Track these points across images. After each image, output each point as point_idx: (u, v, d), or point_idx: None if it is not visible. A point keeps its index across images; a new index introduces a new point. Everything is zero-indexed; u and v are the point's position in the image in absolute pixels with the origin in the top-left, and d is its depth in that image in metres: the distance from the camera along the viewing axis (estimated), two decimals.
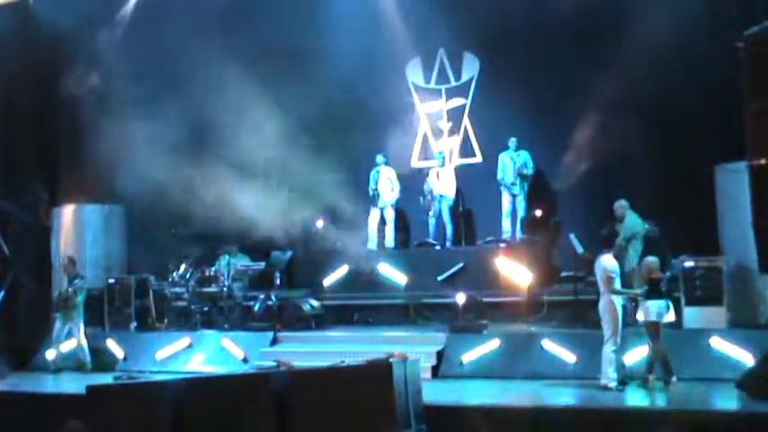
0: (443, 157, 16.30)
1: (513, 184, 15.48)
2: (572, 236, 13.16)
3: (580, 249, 12.86)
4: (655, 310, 10.71)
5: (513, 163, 15.52)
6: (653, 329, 10.75)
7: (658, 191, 13.76)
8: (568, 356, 11.83)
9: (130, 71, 15.96)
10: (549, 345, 12.08)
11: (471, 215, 16.39)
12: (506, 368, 12.04)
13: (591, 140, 14.62)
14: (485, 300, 13.96)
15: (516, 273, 14.19)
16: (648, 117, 14.12)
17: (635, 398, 10.47)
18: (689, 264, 12.22)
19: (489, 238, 15.44)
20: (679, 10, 12.94)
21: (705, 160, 13.25)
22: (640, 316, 10.88)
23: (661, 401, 10.38)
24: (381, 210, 16.23)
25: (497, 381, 11.78)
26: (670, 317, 10.85)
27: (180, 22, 15.86)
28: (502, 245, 15.07)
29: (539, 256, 14.67)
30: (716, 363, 11.25)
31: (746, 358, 11.02)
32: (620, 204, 12.94)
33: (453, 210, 16.01)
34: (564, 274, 14.34)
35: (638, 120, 14.18)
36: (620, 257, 11.56)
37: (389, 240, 16.23)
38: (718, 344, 11.40)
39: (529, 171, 15.54)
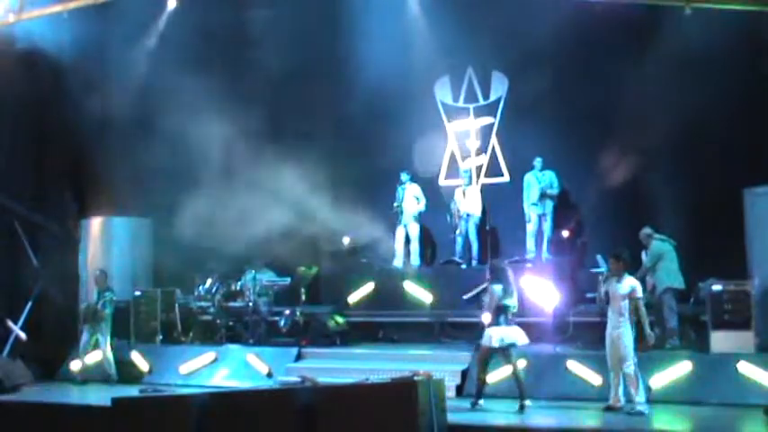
0: (470, 176, 16.30)
1: (534, 204, 15.48)
2: (599, 257, 13.10)
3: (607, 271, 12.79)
4: (489, 335, 10.94)
5: (538, 183, 15.51)
6: (481, 354, 11.14)
7: (686, 213, 13.65)
8: (594, 378, 11.76)
9: (158, 88, 16.05)
10: (574, 366, 12.02)
11: (497, 234, 16.36)
12: (531, 389, 11.90)
13: (618, 161, 14.57)
14: None
15: (542, 293, 14.14)
16: (677, 139, 14.05)
17: (660, 422, 10.37)
18: (716, 287, 12.09)
19: (515, 258, 15.38)
20: (709, 34, 12.88)
21: (734, 183, 13.18)
22: (489, 341, 11.02)
23: (687, 426, 10.29)
24: (405, 226, 16.25)
25: None
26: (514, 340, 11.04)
27: (203, 38, 16.00)
28: (528, 265, 15.03)
29: (565, 276, 14.63)
30: (743, 388, 11.14)
31: None
32: (646, 233, 12.88)
33: (479, 228, 16.02)
34: (590, 295, 14.27)
35: (666, 142, 14.14)
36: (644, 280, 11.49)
37: (415, 258, 16.23)
38: (745, 369, 11.28)
39: (554, 191, 15.54)
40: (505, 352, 11.07)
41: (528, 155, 15.63)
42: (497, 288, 10.97)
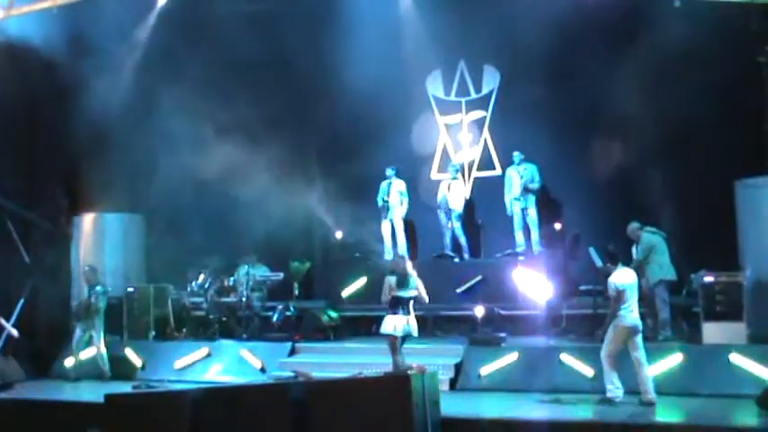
0: (457, 170, 16.30)
1: (515, 198, 15.50)
2: (591, 249, 13.11)
3: (599, 263, 12.79)
4: (392, 324, 11.23)
5: (520, 177, 15.53)
6: (391, 342, 11.31)
7: (678, 205, 13.68)
8: (587, 370, 11.78)
9: (149, 84, 16.00)
10: (567, 358, 12.03)
11: (485, 228, 16.31)
12: (524, 381, 12.00)
13: (610, 154, 14.57)
14: (503, 312, 13.97)
15: (535, 286, 14.14)
16: (669, 131, 14.07)
17: (653, 413, 10.38)
18: (708, 279, 12.12)
19: (508, 251, 15.40)
20: (698, 25, 12.90)
21: (725, 175, 13.21)
22: (393, 330, 11.31)
23: (679, 417, 10.31)
24: (391, 221, 16.25)
25: (515, 394, 11.73)
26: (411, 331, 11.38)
27: (194, 34, 15.96)
28: (521, 258, 15.03)
29: (557, 269, 14.64)
30: (735, 379, 11.18)
31: (767, 374, 10.96)
32: (634, 227, 12.85)
33: (463, 222, 16.02)
34: (583, 287, 14.29)
35: (658, 133, 14.15)
36: (639, 274, 11.50)
37: (403, 251, 16.18)
38: (737, 360, 11.32)
39: (535, 185, 15.54)
40: (400, 340, 11.36)
41: (520, 148, 15.63)
42: (391, 279, 11.43)
